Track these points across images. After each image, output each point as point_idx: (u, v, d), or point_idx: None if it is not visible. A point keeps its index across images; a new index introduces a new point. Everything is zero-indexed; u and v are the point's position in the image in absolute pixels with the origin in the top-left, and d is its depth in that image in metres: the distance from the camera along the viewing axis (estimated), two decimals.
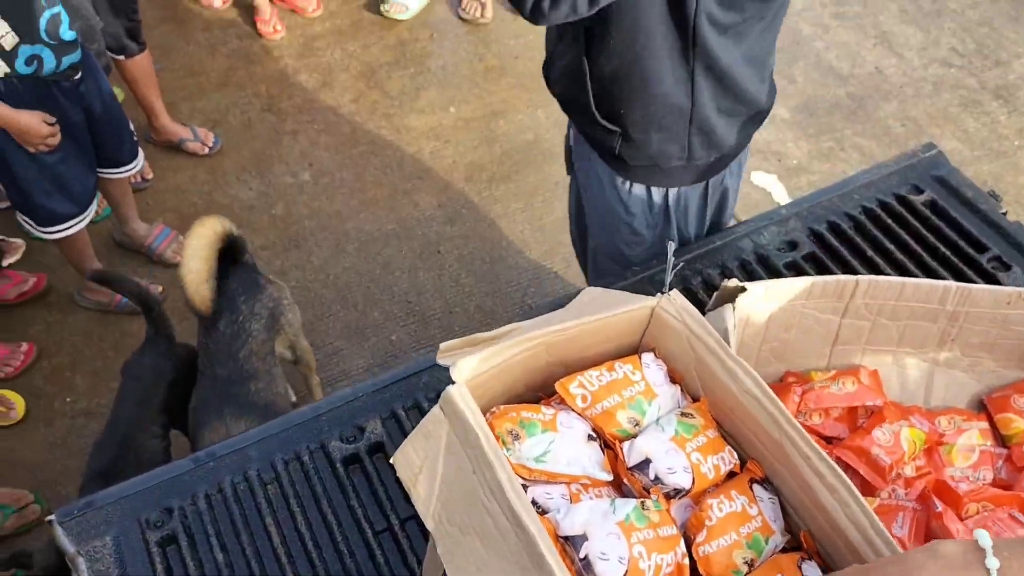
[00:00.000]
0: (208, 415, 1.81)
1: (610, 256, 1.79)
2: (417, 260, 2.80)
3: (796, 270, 1.47)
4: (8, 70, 2.00)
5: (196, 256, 1.86)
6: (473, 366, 0.81)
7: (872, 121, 3.16)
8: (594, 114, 1.53)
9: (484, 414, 0.80)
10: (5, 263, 2.68)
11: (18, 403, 2.38)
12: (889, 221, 1.53)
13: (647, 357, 0.88)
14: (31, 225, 2.27)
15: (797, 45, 3.41)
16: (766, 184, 2.96)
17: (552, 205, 2.94)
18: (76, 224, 2.30)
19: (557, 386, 0.84)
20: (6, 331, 2.58)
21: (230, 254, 1.98)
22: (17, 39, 1.97)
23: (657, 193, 1.63)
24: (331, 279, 2.75)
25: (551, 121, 3.18)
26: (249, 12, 3.53)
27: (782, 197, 2.93)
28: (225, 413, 1.80)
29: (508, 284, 2.75)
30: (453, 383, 0.79)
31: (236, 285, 1.95)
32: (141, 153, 2.51)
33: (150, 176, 2.95)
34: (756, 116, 1.58)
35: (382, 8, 3.56)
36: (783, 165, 3.02)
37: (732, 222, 1.91)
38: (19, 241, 2.72)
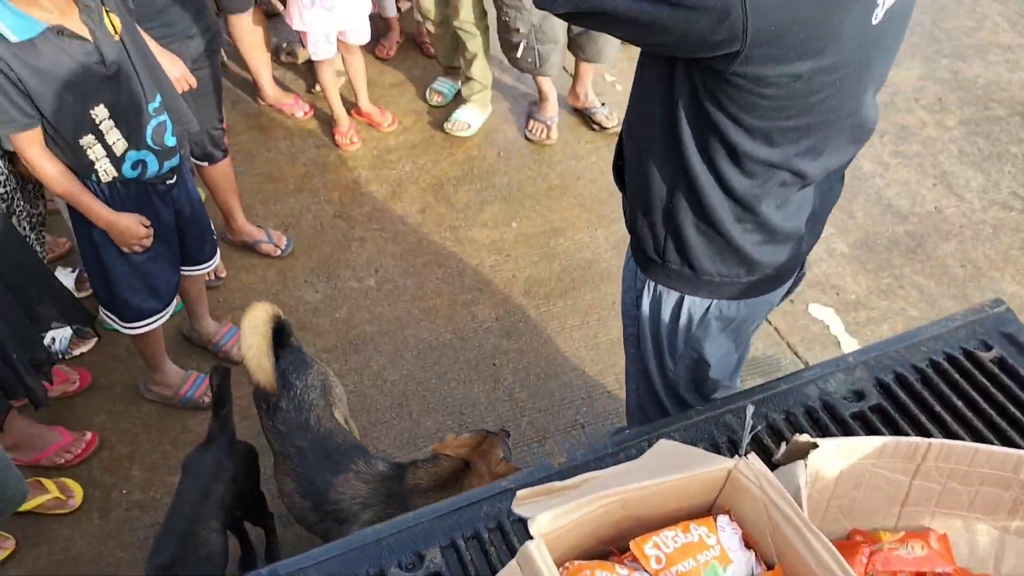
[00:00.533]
0: (320, 480, 1.90)
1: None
2: (472, 372, 2.84)
3: (863, 421, 1.46)
4: (116, 174, 2.12)
5: (254, 333, 1.97)
6: (551, 521, 0.82)
7: (932, 260, 3.17)
8: (616, 166, 1.62)
9: (558, 568, 0.81)
10: (76, 352, 2.79)
11: (77, 492, 2.43)
12: (956, 376, 1.52)
13: (722, 520, 0.89)
14: (114, 320, 2.36)
15: (857, 181, 3.46)
16: (824, 317, 2.96)
17: (608, 324, 2.97)
18: (158, 320, 2.39)
19: (632, 545, 0.85)
20: (71, 418, 2.66)
21: (279, 337, 2.08)
22: (127, 145, 2.10)
23: (640, 275, 1.67)
24: (387, 386, 2.80)
25: (610, 242, 3.25)
26: (328, 124, 3.73)
27: (840, 331, 2.93)
28: (336, 468, 1.90)
29: (561, 401, 2.76)
30: (530, 537, 0.81)
31: (287, 365, 2.06)
32: (218, 251, 2.62)
33: (223, 275, 3.07)
34: (749, 269, 1.57)
35: (445, 126, 3.73)
36: (841, 299, 3.03)
37: (727, 389, 1.91)
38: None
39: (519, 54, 3.42)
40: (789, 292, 1.77)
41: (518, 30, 3.33)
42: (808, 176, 1.46)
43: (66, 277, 2.93)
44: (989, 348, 1.58)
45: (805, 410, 1.49)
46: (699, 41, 1.21)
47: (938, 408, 1.46)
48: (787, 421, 1.46)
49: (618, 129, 3.81)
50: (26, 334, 2.22)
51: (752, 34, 1.16)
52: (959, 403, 1.47)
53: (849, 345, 2.86)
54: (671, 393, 1.82)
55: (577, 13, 1.28)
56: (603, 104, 3.78)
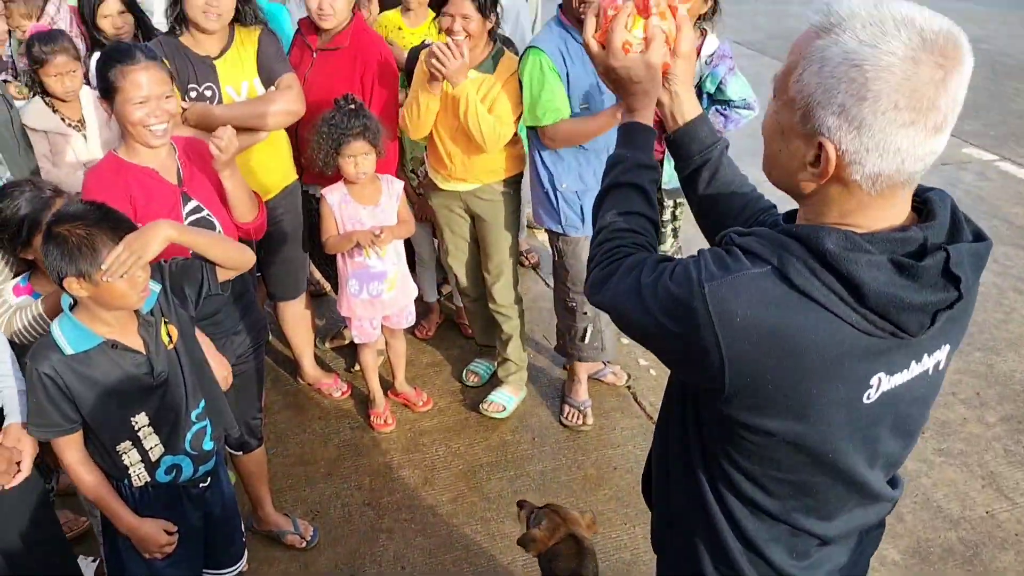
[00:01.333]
0: None
1: None
2: None
3: None
4: (149, 479, 2.11)
5: None
6: None
7: (990, 573, 2.98)
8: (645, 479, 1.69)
9: None
10: None
11: None
12: None
13: None
14: None
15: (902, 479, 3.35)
16: None
17: None
18: None
19: None
20: None
21: None
22: (163, 450, 2.10)
23: None
24: None
25: (649, 542, 3.10)
26: (365, 404, 3.77)
27: None
28: None
29: None
30: None
31: None
32: (246, 555, 2.53)
33: (244, 569, 2.94)
34: None
35: (481, 408, 3.75)
36: None
37: None
38: None
39: (587, 340, 3.51)
40: None
41: (586, 314, 3.46)
42: (823, 536, 1.41)
43: (86, 567, 2.84)
44: None
45: None
46: (693, 367, 1.27)
47: None
48: None
49: (629, 385, 3.92)
50: None
51: (730, 379, 1.21)
52: None
53: None
54: None
55: (609, 310, 1.39)
56: (607, 364, 3.89)
